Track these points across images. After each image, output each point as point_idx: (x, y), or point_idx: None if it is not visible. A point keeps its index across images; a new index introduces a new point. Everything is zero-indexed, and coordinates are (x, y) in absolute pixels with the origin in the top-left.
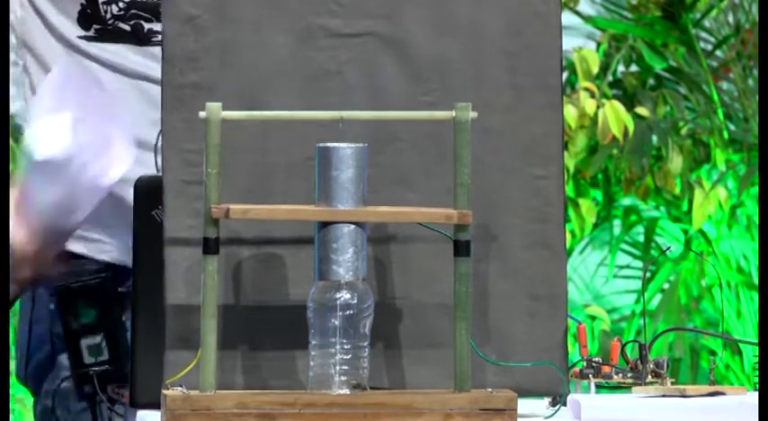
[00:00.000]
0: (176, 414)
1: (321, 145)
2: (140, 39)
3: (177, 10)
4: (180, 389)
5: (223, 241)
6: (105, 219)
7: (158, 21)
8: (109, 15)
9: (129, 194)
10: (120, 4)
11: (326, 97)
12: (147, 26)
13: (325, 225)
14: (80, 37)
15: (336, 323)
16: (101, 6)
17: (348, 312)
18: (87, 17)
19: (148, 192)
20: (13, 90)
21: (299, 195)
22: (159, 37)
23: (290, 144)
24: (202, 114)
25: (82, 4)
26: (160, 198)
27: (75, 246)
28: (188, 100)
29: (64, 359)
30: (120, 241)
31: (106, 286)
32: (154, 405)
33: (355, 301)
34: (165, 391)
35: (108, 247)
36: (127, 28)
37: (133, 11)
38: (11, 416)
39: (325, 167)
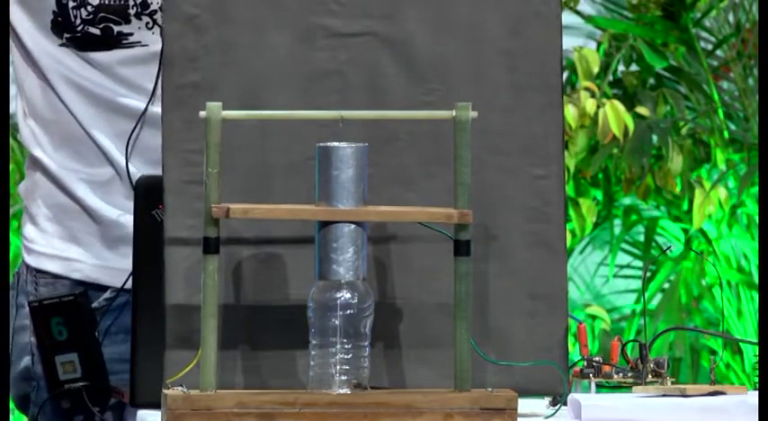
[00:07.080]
0: (177, 413)
1: (321, 144)
2: (109, 42)
3: (177, 10)
4: (180, 388)
5: (223, 241)
6: (81, 236)
7: (127, 23)
8: (78, 20)
9: (105, 209)
10: (89, 8)
11: (326, 97)
12: (116, 29)
13: (325, 224)
14: (59, 45)
15: (337, 323)
16: (71, 12)
17: (348, 312)
18: (59, 25)
19: (148, 191)
20: (13, 90)
21: (299, 195)
22: (129, 39)
23: (290, 144)
24: (202, 114)
25: (54, 12)
26: (160, 198)
27: (49, 265)
28: (188, 100)
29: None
30: (95, 257)
31: (78, 303)
32: (154, 405)
33: (355, 301)
34: (165, 391)
35: (80, 265)
36: (96, 32)
37: (102, 14)
38: (11, 417)
39: (326, 167)
